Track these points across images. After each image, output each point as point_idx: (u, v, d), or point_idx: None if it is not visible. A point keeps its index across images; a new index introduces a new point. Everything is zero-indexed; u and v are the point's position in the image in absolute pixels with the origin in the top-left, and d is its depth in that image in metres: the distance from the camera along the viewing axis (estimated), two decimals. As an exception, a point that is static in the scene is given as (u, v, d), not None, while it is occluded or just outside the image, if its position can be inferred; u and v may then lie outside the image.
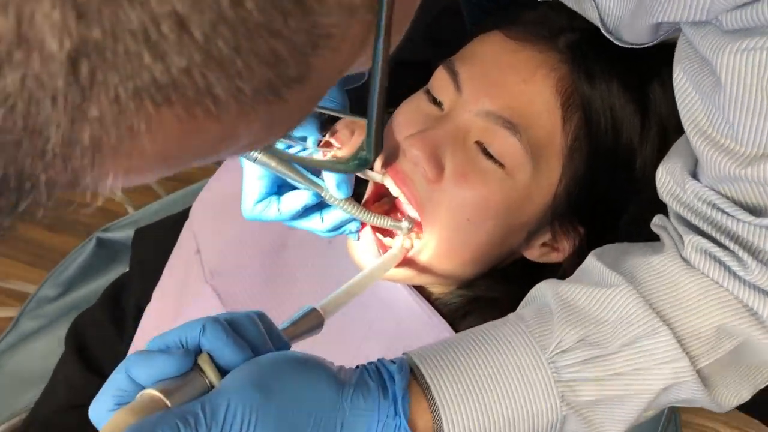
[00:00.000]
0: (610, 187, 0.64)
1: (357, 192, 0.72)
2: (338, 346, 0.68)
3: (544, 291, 0.55)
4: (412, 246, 0.63)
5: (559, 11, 0.63)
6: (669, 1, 0.45)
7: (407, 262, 0.64)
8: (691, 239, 0.51)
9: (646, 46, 0.55)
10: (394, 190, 0.63)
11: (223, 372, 0.45)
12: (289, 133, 0.28)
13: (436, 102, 0.64)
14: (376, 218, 0.62)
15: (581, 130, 0.61)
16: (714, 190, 0.50)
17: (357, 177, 0.67)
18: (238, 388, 0.43)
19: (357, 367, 0.50)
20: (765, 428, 1.14)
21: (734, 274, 0.50)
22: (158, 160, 0.23)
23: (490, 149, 0.60)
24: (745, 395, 0.54)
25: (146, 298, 0.84)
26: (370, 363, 0.51)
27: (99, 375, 0.87)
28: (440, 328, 0.65)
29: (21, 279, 1.30)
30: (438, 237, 0.62)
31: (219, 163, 0.86)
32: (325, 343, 0.69)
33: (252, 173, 0.62)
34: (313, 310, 0.52)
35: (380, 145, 0.29)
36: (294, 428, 0.44)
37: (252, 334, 0.46)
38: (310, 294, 0.72)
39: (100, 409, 0.44)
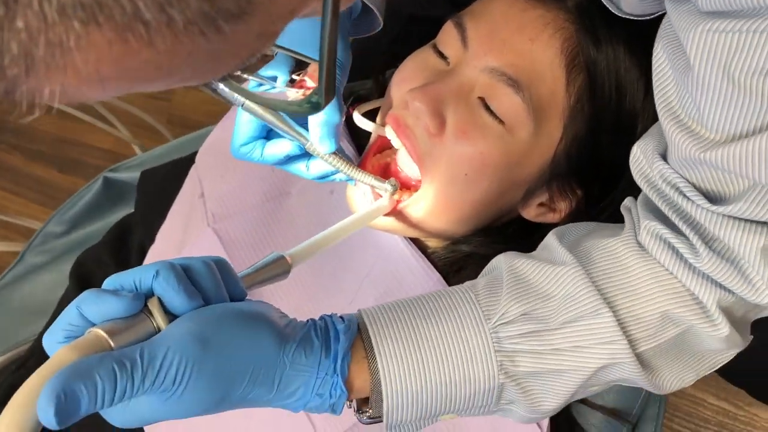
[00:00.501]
0: (610, 151, 0.64)
1: (359, 144, 0.73)
2: (335, 291, 0.70)
3: (499, 262, 0.56)
4: (400, 199, 0.64)
5: None
6: None
7: (403, 214, 0.65)
8: (647, 224, 0.52)
9: (643, 18, 0.55)
10: (396, 142, 0.64)
11: (173, 317, 0.45)
12: (243, 66, 0.29)
13: (442, 56, 0.65)
14: (360, 174, 0.62)
15: (585, 91, 0.61)
16: (678, 173, 0.50)
17: (360, 129, 0.68)
18: (178, 337, 0.43)
19: (307, 321, 0.51)
20: (752, 399, 1.16)
21: (684, 261, 0.51)
22: (94, 80, 0.24)
23: (492, 105, 0.60)
24: (688, 380, 0.55)
25: (150, 240, 0.86)
26: (321, 318, 0.51)
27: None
28: (434, 280, 0.66)
29: (30, 218, 1.32)
30: (436, 190, 0.62)
31: (226, 110, 0.87)
32: (322, 286, 0.70)
33: (244, 114, 0.62)
34: (281, 257, 0.53)
35: (332, 90, 0.30)
36: (230, 381, 0.45)
37: (205, 282, 0.47)
38: (306, 240, 0.73)
39: (50, 340, 0.45)
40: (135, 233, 0.91)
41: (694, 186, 0.50)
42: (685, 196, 0.50)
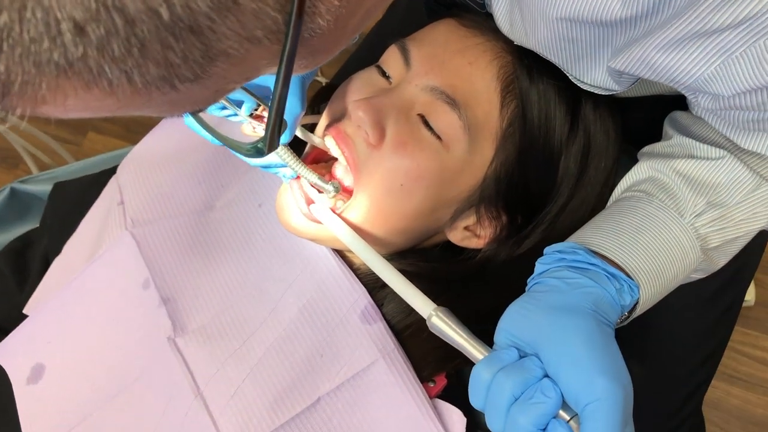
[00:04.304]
0: (536, 181, 0.67)
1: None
2: (257, 300, 0.68)
3: (654, 171, 0.65)
4: (334, 207, 0.65)
5: None
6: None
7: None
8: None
9: (605, 93, 0.62)
10: (335, 151, 0.65)
11: None
12: (200, 110, 0.34)
13: (385, 75, 0.67)
14: (306, 171, 0.62)
15: (516, 117, 0.65)
16: None
17: (297, 138, 0.69)
18: None
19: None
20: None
21: None
22: (60, 111, 0.28)
23: (431, 122, 0.63)
24: None
25: (56, 251, 0.82)
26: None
27: (-10, 324, 0.83)
28: (359, 293, 0.66)
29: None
30: (370, 200, 0.63)
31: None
32: (245, 294, 0.69)
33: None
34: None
35: (275, 144, 0.34)
36: None
37: None
38: (230, 250, 0.72)
39: None
40: (37, 247, 0.87)
41: None
42: None
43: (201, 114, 0.57)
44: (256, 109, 0.64)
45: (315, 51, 0.33)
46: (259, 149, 0.35)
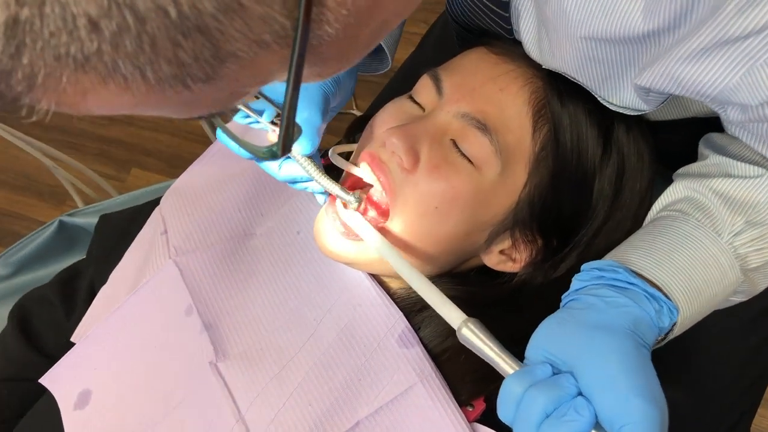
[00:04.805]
0: (569, 204, 0.68)
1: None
2: (295, 326, 0.70)
3: (682, 189, 0.66)
4: (381, 223, 0.65)
5: None
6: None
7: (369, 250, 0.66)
8: None
9: (633, 114, 0.62)
10: (369, 177, 0.66)
11: None
12: (217, 113, 0.35)
13: (418, 104, 0.69)
14: (327, 181, 0.63)
15: (549, 141, 0.65)
16: None
17: (333, 167, 0.71)
18: None
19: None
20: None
21: None
22: (82, 106, 0.29)
23: (463, 147, 0.64)
24: None
25: (102, 281, 0.84)
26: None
27: (39, 352, 0.85)
28: (396, 318, 0.67)
29: None
30: (405, 223, 0.64)
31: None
32: (283, 322, 0.70)
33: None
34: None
35: (288, 147, 0.35)
36: None
37: None
38: (269, 277, 0.74)
39: None
40: (84, 278, 0.90)
41: None
42: None
43: (228, 124, 0.59)
44: (277, 116, 0.66)
45: (325, 59, 0.33)
46: (273, 152, 0.36)
